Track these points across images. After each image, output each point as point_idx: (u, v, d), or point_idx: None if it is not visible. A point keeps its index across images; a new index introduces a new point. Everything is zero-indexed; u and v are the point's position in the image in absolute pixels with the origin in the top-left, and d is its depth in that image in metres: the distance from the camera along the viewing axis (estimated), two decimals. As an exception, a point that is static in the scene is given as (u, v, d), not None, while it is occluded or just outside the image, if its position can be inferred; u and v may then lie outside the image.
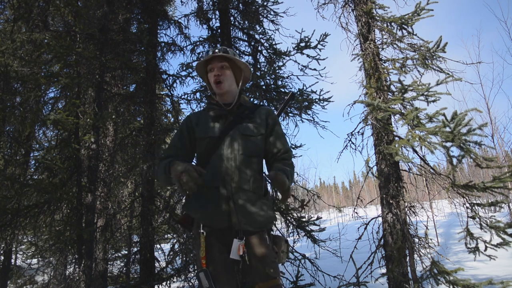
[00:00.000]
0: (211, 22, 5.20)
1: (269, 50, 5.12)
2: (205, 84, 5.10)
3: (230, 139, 1.49)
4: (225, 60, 1.57)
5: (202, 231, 1.41)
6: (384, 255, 3.63)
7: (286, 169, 1.50)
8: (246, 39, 5.21)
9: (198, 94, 5.08)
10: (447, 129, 2.83)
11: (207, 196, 1.44)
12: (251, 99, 4.66)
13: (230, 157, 1.46)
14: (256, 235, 1.44)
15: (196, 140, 1.55)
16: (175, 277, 4.37)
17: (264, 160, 1.63)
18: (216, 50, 1.56)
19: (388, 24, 3.91)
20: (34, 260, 5.74)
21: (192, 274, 4.39)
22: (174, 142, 1.58)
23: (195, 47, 5.27)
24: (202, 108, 1.74)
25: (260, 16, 5.19)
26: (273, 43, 5.15)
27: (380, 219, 3.76)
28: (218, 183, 1.44)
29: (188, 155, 1.58)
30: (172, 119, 6.24)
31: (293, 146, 4.92)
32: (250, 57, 5.22)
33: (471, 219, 3.21)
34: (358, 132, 3.98)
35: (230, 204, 1.41)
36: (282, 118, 4.85)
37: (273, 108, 3.76)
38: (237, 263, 1.39)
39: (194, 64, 5.06)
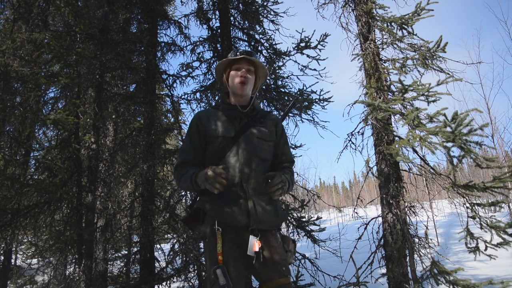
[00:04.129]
0: (211, 22, 5.20)
1: (269, 50, 5.12)
2: (205, 84, 5.17)
3: (245, 141, 1.53)
4: (252, 64, 1.61)
5: (218, 227, 1.43)
6: (384, 255, 3.63)
7: (288, 177, 1.57)
8: (246, 39, 5.20)
9: (198, 94, 5.08)
10: (448, 129, 2.83)
11: (226, 195, 1.47)
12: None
13: (246, 160, 1.50)
14: (269, 233, 1.50)
15: (207, 138, 1.56)
16: (175, 277, 4.37)
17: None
18: (245, 52, 1.58)
19: (388, 24, 3.91)
20: (34, 260, 5.74)
21: (192, 274, 4.38)
22: (187, 146, 1.59)
23: (195, 47, 5.27)
24: (210, 107, 1.74)
25: (260, 16, 5.19)
26: (273, 43, 5.15)
27: (380, 219, 3.76)
28: (234, 183, 1.48)
29: (200, 156, 1.59)
30: (172, 119, 6.24)
31: (293, 146, 4.91)
32: (250, 57, 5.21)
33: (471, 219, 3.21)
34: (358, 132, 3.98)
35: (249, 204, 1.45)
36: (282, 121, 4.83)
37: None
38: (249, 260, 1.42)
39: (194, 64, 5.06)
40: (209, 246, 1.45)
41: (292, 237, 1.70)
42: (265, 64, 5.08)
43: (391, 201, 3.56)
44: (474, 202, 3.24)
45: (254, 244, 1.39)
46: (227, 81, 1.65)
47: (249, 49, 1.65)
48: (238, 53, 1.59)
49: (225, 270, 1.33)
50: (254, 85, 1.67)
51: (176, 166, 1.58)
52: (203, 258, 4.30)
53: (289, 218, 4.46)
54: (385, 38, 3.97)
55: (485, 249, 3.16)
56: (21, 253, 6.86)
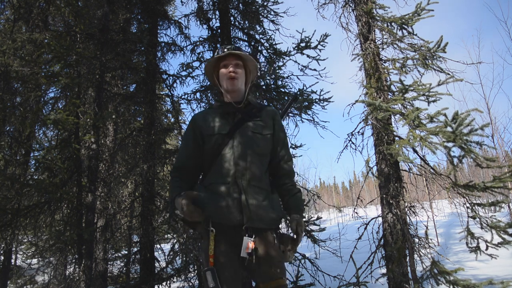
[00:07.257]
0: (211, 22, 5.20)
1: (269, 50, 5.12)
2: (205, 84, 5.16)
3: (239, 136, 1.50)
4: (239, 59, 1.59)
5: (211, 228, 1.39)
6: (384, 255, 3.63)
7: (301, 204, 1.58)
8: (246, 39, 5.21)
9: (198, 94, 5.08)
10: (449, 129, 2.83)
11: (219, 192, 1.44)
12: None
13: (240, 154, 1.47)
14: (265, 234, 1.44)
15: (204, 138, 1.55)
16: (175, 277, 4.37)
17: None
18: (230, 47, 1.57)
19: (389, 24, 3.91)
20: (34, 260, 5.74)
21: (192, 274, 4.39)
22: (181, 151, 1.62)
23: (195, 47, 5.27)
24: (207, 108, 1.73)
25: (260, 16, 5.19)
26: (273, 43, 5.15)
27: (380, 219, 3.76)
28: (229, 180, 1.44)
29: (195, 160, 1.57)
30: (172, 119, 6.24)
31: (293, 146, 4.91)
32: (250, 57, 5.22)
33: (472, 219, 3.21)
34: (358, 132, 3.97)
35: (242, 201, 1.40)
36: (282, 118, 4.84)
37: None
38: (244, 261, 1.38)
39: (195, 64, 5.06)
40: (204, 247, 1.42)
41: (292, 235, 1.63)
42: (264, 64, 5.08)
43: (391, 201, 3.56)
44: (474, 202, 3.25)
45: (248, 245, 1.34)
46: (217, 80, 1.63)
47: (239, 46, 1.64)
48: (224, 50, 1.57)
49: (215, 273, 1.30)
50: (246, 79, 1.65)
51: (171, 171, 1.63)
52: (203, 258, 4.30)
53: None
54: (385, 38, 3.97)
55: (486, 249, 3.16)
56: (21, 253, 6.86)
